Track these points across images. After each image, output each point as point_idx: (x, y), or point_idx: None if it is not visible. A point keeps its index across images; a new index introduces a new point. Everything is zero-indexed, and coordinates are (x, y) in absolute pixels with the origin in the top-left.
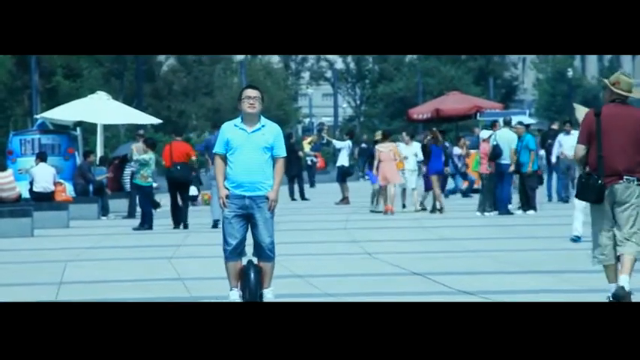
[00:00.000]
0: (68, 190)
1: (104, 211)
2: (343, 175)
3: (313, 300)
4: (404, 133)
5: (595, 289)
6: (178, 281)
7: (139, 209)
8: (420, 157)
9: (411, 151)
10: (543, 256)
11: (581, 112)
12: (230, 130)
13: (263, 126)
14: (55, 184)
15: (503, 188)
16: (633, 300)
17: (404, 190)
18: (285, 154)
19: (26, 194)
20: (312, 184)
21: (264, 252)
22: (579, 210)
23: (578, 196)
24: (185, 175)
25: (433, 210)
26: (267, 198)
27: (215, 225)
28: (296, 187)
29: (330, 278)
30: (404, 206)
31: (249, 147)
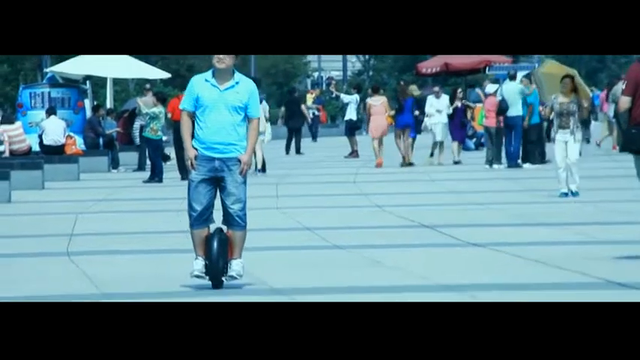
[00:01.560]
0: (78, 143)
1: (114, 164)
2: (351, 128)
3: (320, 252)
4: (435, 87)
5: (607, 241)
6: (188, 233)
7: (148, 162)
8: (449, 110)
9: (442, 103)
10: (553, 209)
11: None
12: (200, 86)
13: (237, 83)
14: (65, 137)
15: (512, 141)
16: None
17: (441, 143)
18: (259, 115)
19: (36, 147)
20: (314, 138)
21: (234, 219)
22: (562, 168)
23: (623, 147)
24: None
25: (408, 164)
26: (239, 161)
27: None
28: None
29: (339, 231)
30: (432, 155)
31: (221, 106)
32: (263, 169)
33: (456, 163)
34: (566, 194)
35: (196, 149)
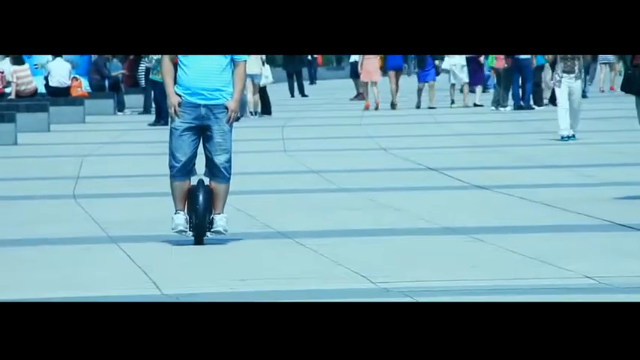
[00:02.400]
0: (84, 85)
1: (120, 106)
2: (357, 71)
3: (326, 195)
4: None
5: (614, 182)
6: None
7: (154, 105)
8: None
9: None
10: (558, 151)
11: None
12: None
13: None
14: (71, 79)
15: (523, 83)
16: None
17: (452, 86)
18: (245, 58)
19: (42, 89)
20: (312, 81)
21: (220, 171)
22: (565, 111)
23: (623, 88)
24: None
25: (392, 106)
26: (226, 108)
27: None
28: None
29: (346, 173)
30: (452, 102)
31: None
32: (264, 112)
33: (476, 105)
34: (568, 137)
35: (180, 95)
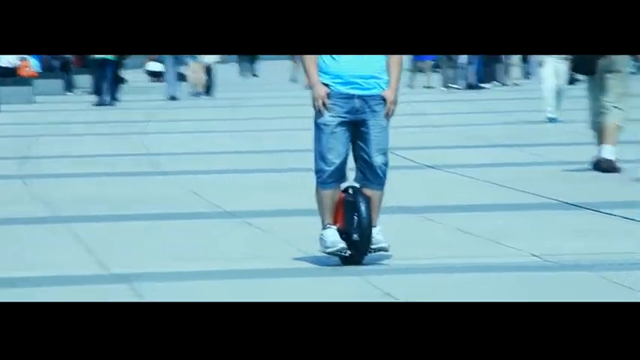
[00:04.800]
0: (33, 65)
1: (69, 86)
2: None
3: (276, 175)
4: None
5: (567, 161)
6: (145, 157)
7: (104, 85)
8: None
9: None
10: (511, 131)
11: None
12: None
13: None
14: (20, 59)
15: (471, 63)
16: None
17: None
18: None
19: None
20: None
21: (376, 175)
22: (548, 89)
23: (574, 69)
24: None
25: None
26: (383, 99)
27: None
28: None
29: (295, 154)
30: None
31: None
32: (207, 92)
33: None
34: (554, 119)
35: (327, 85)
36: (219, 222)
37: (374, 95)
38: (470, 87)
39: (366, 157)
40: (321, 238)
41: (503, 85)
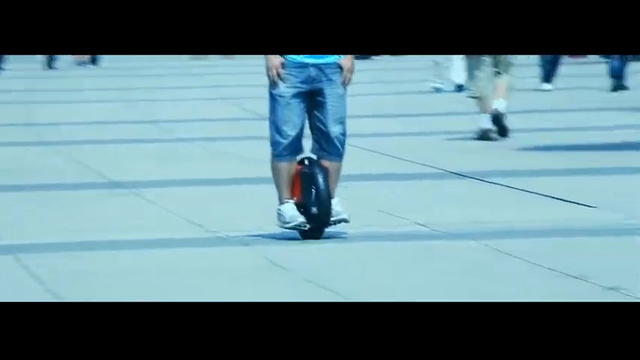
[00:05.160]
0: None
1: None
2: None
3: (163, 145)
4: None
5: (452, 131)
6: (28, 126)
7: None
8: None
9: None
10: (398, 101)
11: None
12: None
13: None
14: None
15: None
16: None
17: None
18: None
19: None
20: None
21: (333, 146)
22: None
23: None
24: None
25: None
26: (339, 67)
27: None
28: None
29: (184, 123)
30: None
31: None
32: (93, 62)
33: None
34: (440, 89)
35: (281, 55)
36: (105, 192)
37: (330, 63)
38: (358, 57)
39: (322, 127)
40: (279, 213)
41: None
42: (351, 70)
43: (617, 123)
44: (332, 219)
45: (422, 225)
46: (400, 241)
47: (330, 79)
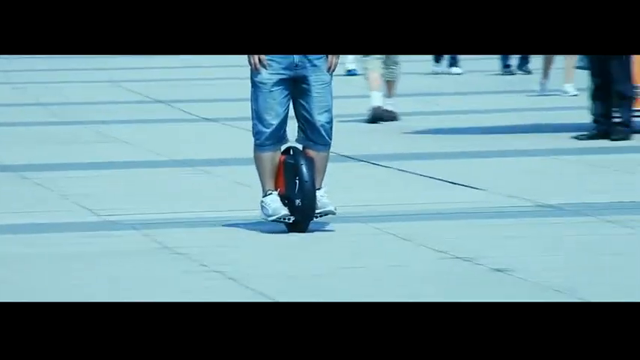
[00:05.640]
0: None
1: None
2: None
3: (55, 128)
4: None
5: (342, 114)
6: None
7: None
8: None
9: None
10: None
11: None
12: None
13: None
14: None
15: None
16: None
17: None
18: None
19: None
20: None
21: (319, 135)
22: None
23: None
24: None
25: None
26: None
27: None
28: None
29: (73, 106)
30: None
31: None
32: None
33: None
34: (351, 72)
35: None
36: None
37: None
38: None
39: (307, 115)
40: (262, 206)
41: None
42: (337, 56)
43: (507, 107)
44: (317, 211)
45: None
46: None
47: (315, 66)
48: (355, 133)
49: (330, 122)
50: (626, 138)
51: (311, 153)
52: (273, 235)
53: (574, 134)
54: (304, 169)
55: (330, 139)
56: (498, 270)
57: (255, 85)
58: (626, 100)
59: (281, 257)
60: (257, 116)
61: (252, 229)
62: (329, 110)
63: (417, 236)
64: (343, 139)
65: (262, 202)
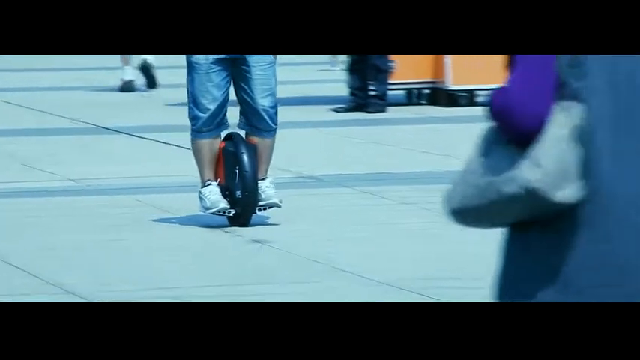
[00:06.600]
0: None
1: None
2: None
3: None
4: None
5: (101, 86)
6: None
7: None
8: None
9: None
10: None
11: None
12: None
13: None
14: None
15: None
16: None
17: None
18: None
19: None
20: None
21: (262, 120)
22: None
23: None
24: None
25: None
26: None
27: None
28: None
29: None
30: None
31: None
32: None
33: None
34: None
35: None
36: None
37: None
38: None
39: (249, 99)
40: (201, 197)
41: None
42: None
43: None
44: (260, 204)
45: (73, 181)
46: (46, 197)
47: None
48: (117, 105)
49: (275, 107)
50: (381, 110)
51: (254, 140)
52: (34, 205)
53: (332, 107)
54: (245, 157)
55: (275, 125)
56: (257, 241)
57: (190, 66)
58: (382, 73)
59: (51, 231)
60: (193, 100)
61: (9, 200)
62: (272, 94)
63: (188, 209)
64: (104, 111)
65: (200, 193)
